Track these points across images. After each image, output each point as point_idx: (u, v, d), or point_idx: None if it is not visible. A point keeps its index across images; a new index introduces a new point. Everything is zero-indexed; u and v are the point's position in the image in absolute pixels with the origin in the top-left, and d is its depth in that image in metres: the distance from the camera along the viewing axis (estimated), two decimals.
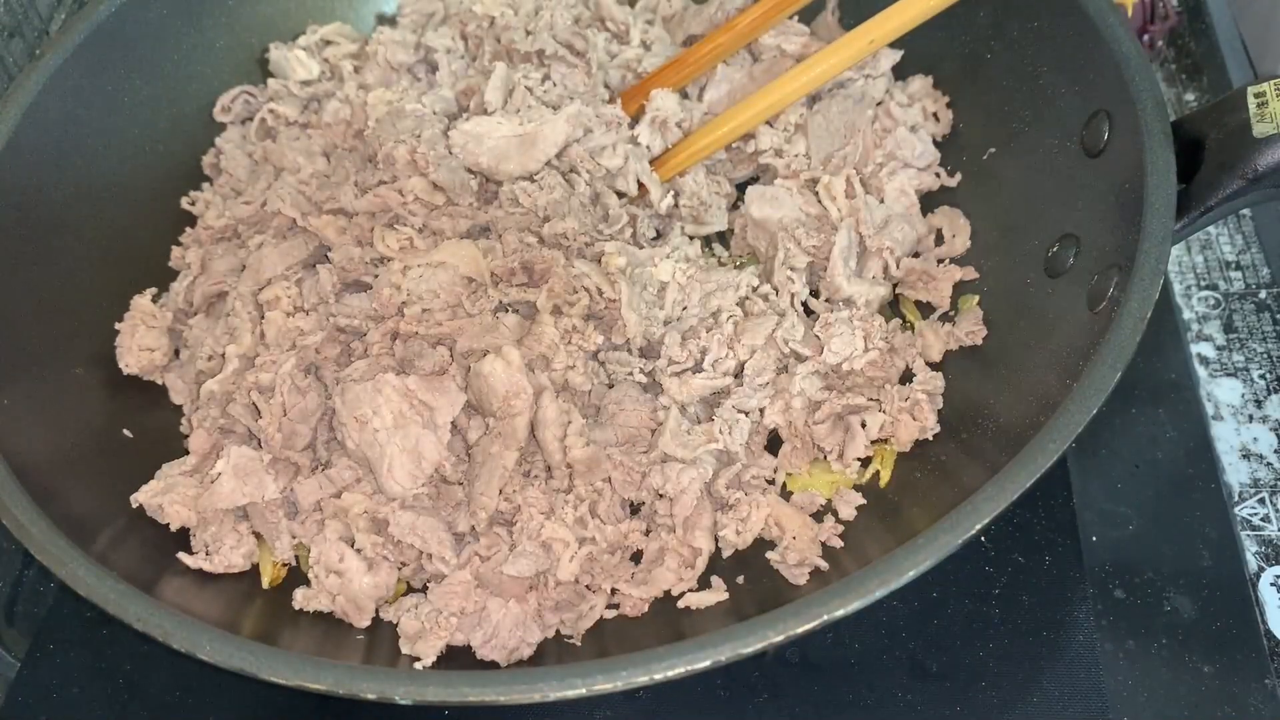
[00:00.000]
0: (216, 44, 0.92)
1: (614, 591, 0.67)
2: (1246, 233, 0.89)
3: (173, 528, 0.70)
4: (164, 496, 0.70)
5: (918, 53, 0.86)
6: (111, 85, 0.85)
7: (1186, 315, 0.85)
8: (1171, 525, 0.73)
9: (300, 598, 0.67)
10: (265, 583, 0.70)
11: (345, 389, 0.69)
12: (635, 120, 0.85)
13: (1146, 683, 0.67)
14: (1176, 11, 0.98)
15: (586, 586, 0.67)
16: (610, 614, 0.66)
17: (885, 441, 0.72)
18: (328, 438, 0.73)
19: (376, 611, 0.67)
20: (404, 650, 0.64)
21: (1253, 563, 0.73)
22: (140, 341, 0.78)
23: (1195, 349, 0.83)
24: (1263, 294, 0.86)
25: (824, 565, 0.65)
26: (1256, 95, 0.64)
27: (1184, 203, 0.65)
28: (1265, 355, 0.83)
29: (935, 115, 0.85)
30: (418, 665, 0.63)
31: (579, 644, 0.65)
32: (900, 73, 0.88)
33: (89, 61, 0.83)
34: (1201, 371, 0.82)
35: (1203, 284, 0.87)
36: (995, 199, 0.80)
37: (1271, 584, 0.72)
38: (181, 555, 0.68)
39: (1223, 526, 0.73)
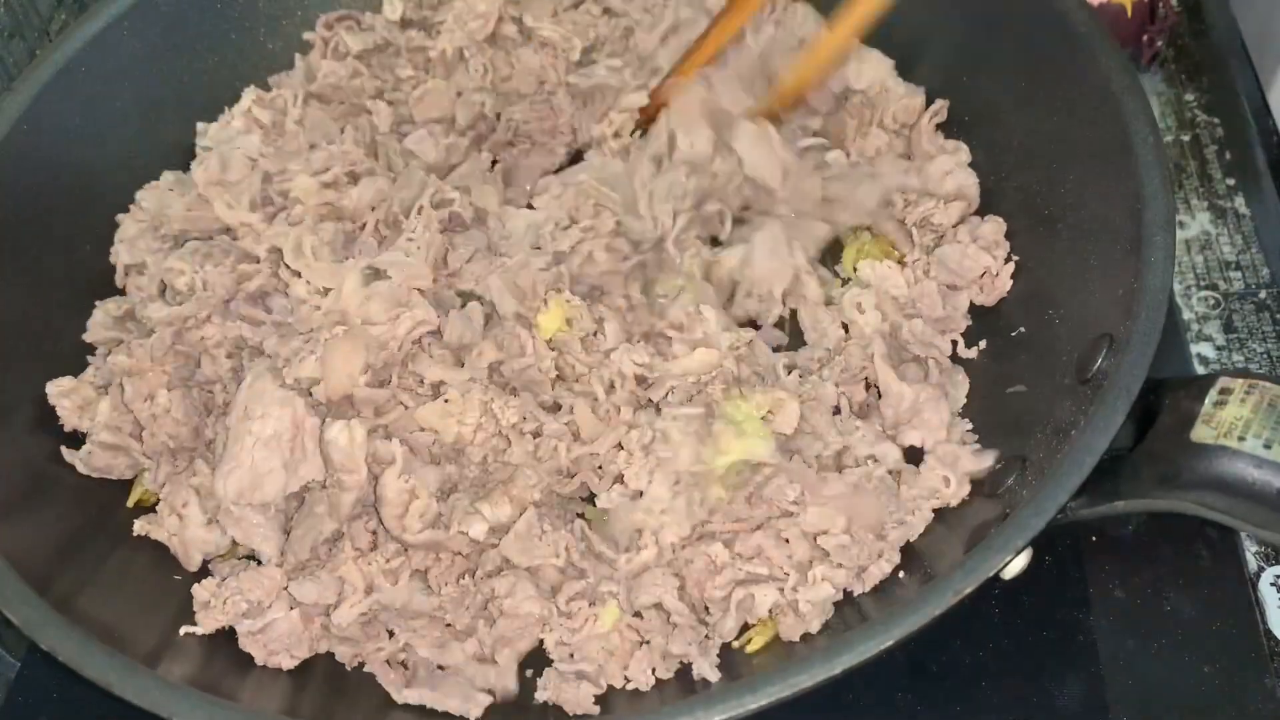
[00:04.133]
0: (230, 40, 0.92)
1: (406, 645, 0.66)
2: (1246, 233, 0.89)
3: (66, 428, 0.74)
4: (67, 398, 0.74)
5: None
6: (111, 88, 0.86)
7: (1186, 315, 0.85)
8: (1171, 525, 0.73)
9: (139, 525, 0.71)
10: (131, 502, 0.73)
11: (259, 376, 0.70)
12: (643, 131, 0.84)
13: (1146, 683, 0.67)
14: (1176, 11, 0.98)
15: (387, 631, 0.67)
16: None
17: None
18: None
19: (206, 564, 0.70)
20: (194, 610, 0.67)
21: (1253, 563, 0.73)
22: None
23: (1195, 349, 0.83)
24: (1263, 294, 0.86)
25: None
26: (1222, 392, 0.60)
27: (1114, 472, 0.61)
28: (1265, 355, 0.83)
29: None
30: (184, 631, 0.65)
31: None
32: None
33: (90, 62, 0.84)
34: (1201, 371, 0.82)
35: (1203, 284, 0.87)
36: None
37: (1271, 584, 0.72)
38: (65, 451, 0.72)
39: (1223, 526, 0.72)
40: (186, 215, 0.81)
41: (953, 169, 0.81)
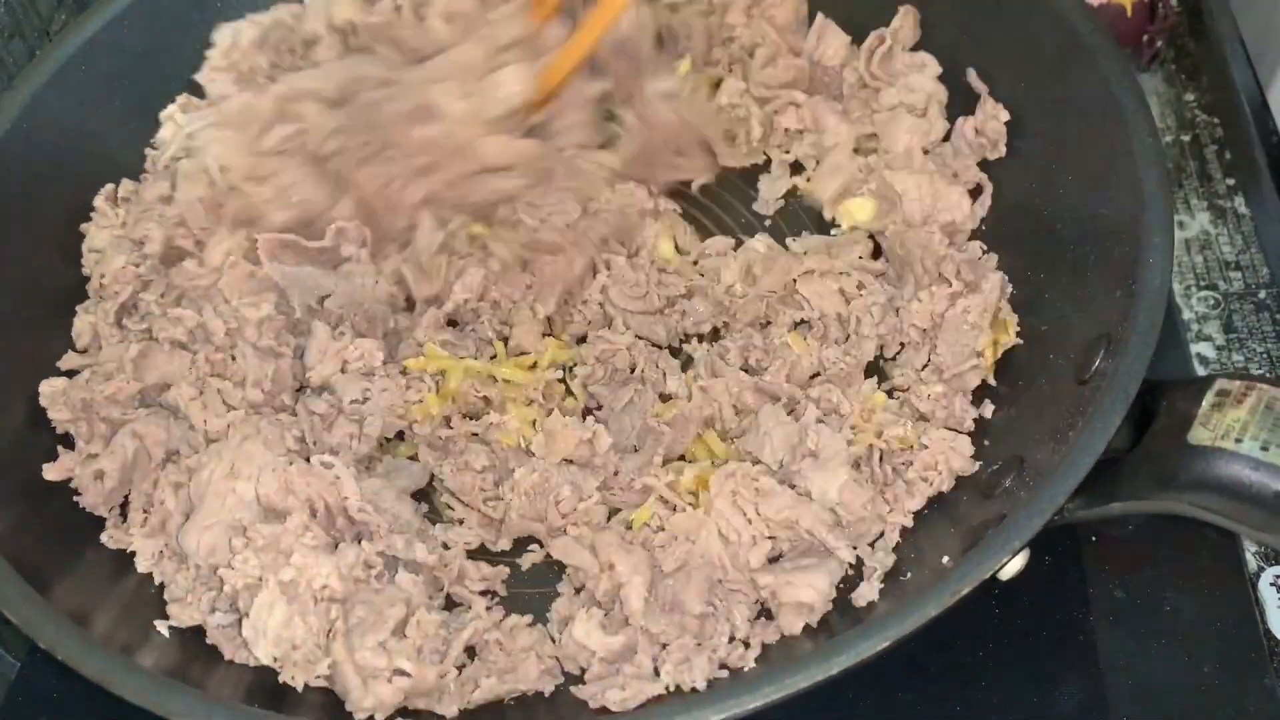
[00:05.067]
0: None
1: None
2: (1246, 233, 0.89)
3: (58, 430, 0.73)
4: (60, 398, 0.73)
5: None
6: (112, 86, 0.86)
7: (1186, 315, 0.85)
8: (1171, 525, 0.72)
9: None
10: None
11: (249, 438, 0.69)
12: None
13: (1146, 683, 0.67)
14: (1176, 11, 0.98)
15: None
16: None
17: None
18: None
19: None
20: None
21: (1253, 563, 0.73)
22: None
23: (1195, 349, 0.83)
24: (1262, 294, 0.86)
25: None
26: (1219, 394, 0.60)
27: (1111, 474, 0.61)
28: (1265, 355, 0.83)
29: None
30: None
31: None
32: None
33: (91, 60, 0.85)
34: (1201, 371, 0.82)
35: (1202, 284, 0.87)
36: None
37: (1271, 584, 0.72)
38: (58, 455, 0.71)
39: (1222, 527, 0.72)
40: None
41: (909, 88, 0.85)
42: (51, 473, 0.71)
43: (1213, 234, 0.90)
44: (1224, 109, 0.96)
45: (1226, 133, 0.95)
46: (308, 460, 0.68)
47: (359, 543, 0.66)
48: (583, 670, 0.63)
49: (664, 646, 0.62)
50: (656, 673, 0.61)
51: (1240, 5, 0.97)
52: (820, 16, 0.90)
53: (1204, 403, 0.60)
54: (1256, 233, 0.89)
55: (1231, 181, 0.92)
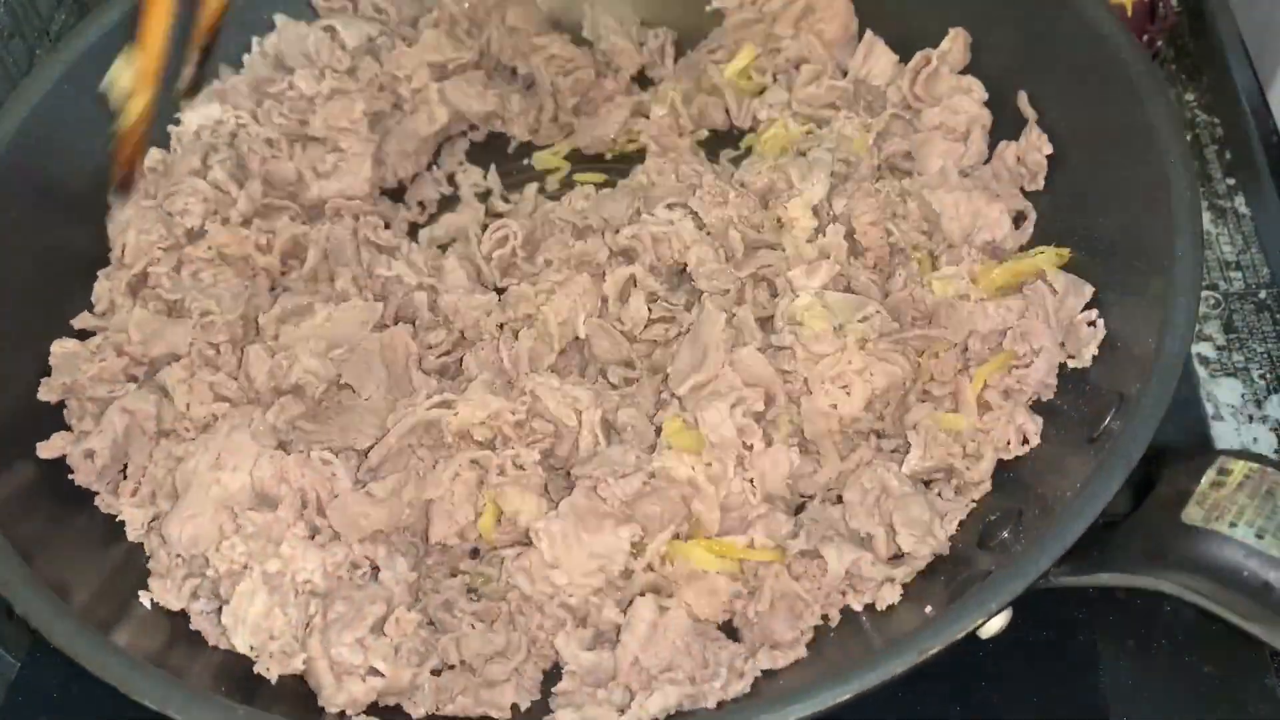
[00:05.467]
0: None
1: None
2: (1246, 233, 0.89)
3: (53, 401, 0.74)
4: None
5: None
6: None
7: None
8: None
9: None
10: None
11: (238, 428, 0.69)
12: None
13: (1146, 683, 0.67)
14: (1176, 12, 0.98)
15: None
16: None
17: None
18: None
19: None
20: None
21: None
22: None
23: (1195, 349, 0.83)
24: (1263, 294, 0.86)
25: None
26: (1220, 472, 0.57)
27: (1102, 541, 0.59)
28: (1265, 355, 0.83)
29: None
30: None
31: None
32: None
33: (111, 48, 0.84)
34: (1201, 371, 0.82)
35: (1203, 284, 0.87)
36: None
37: None
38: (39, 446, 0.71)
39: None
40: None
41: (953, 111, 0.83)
42: (44, 451, 0.72)
43: (1213, 234, 0.90)
44: (1224, 109, 0.96)
45: (1226, 133, 0.95)
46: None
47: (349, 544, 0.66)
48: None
49: (652, 679, 0.61)
50: (622, 710, 0.60)
51: (1240, 5, 0.97)
52: (869, 33, 0.88)
53: (1204, 480, 0.57)
54: (1256, 233, 0.89)
55: (1231, 181, 0.92)
